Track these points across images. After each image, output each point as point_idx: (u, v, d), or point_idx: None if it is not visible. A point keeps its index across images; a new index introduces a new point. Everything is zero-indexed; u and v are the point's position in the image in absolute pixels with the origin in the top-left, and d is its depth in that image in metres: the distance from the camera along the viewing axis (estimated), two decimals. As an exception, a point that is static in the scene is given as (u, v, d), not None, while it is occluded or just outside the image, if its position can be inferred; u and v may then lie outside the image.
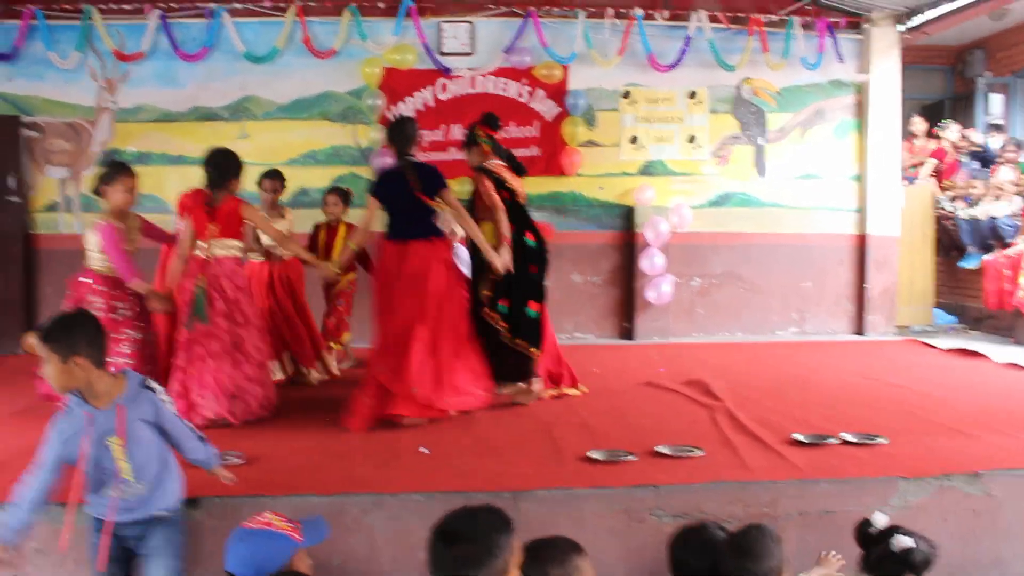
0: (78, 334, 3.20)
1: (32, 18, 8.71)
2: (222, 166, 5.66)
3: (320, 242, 7.20)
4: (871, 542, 3.41)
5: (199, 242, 5.52)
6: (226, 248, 5.55)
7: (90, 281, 5.46)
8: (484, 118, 6.30)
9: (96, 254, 5.50)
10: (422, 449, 4.70)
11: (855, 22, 9.42)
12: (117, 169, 5.57)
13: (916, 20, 9.23)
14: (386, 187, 5.77)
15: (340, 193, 7.32)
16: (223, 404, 5.26)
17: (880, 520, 3.45)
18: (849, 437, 4.78)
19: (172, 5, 8.84)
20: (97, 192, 5.56)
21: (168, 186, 8.73)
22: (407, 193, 5.61)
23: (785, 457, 4.47)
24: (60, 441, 3.23)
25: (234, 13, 8.86)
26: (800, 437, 4.80)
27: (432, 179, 5.68)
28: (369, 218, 5.86)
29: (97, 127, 9.01)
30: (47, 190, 9.03)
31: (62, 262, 8.90)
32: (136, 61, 8.90)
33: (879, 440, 4.74)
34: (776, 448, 4.64)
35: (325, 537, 3.27)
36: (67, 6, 8.76)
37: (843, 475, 4.18)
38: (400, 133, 5.85)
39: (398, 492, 3.97)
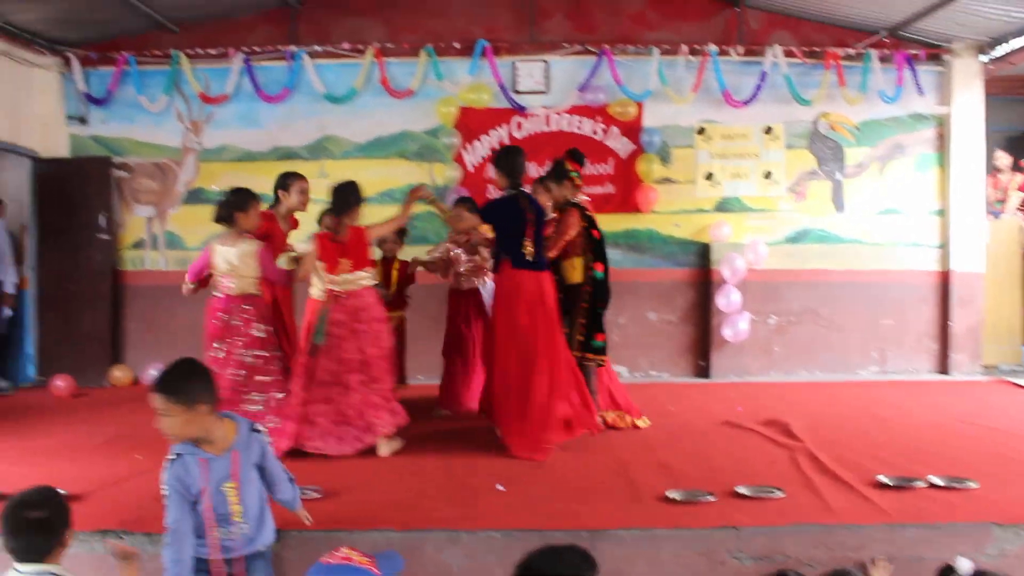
0: (196, 382, 3.21)
1: (125, 64, 9.08)
2: (349, 195, 5.81)
3: (379, 277, 7.15)
4: None
5: (331, 276, 5.64)
6: (359, 280, 5.68)
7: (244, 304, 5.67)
8: (570, 153, 6.35)
9: (248, 276, 5.69)
10: (499, 487, 4.70)
11: (935, 54, 9.26)
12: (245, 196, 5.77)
13: (1000, 50, 9.01)
14: (501, 215, 5.88)
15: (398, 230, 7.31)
16: (331, 435, 5.39)
17: (964, 566, 3.33)
18: (937, 480, 4.64)
19: (255, 49, 9.14)
20: (226, 220, 5.69)
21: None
22: (524, 222, 5.74)
23: (870, 500, 4.37)
24: (179, 496, 3.22)
25: (314, 56, 9.12)
26: (885, 479, 4.68)
27: (542, 212, 5.93)
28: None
29: (183, 167, 9.32)
30: (134, 228, 9.35)
31: (146, 298, 9.24)
32: (220, 103, 9.20)
33: (969, 484, 4.60)
34: (860, 490, 4.53)
35: (399, 571, 3.28)
36: (157, 52, 9.13)
37: (933, 520, 4.07)
38: (514, 163, 5.96)
39: (475, 530, 3.97)
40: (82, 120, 9.29)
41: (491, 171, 6.14)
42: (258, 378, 5.52)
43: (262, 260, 5.61)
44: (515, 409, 5.59)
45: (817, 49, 9.17)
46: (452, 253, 7.07)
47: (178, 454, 3.22)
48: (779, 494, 4.46)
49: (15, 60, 8.77)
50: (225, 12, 9.16)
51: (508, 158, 6.01)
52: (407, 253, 7.42)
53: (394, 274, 7.20)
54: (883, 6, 8.63)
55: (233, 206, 5.67)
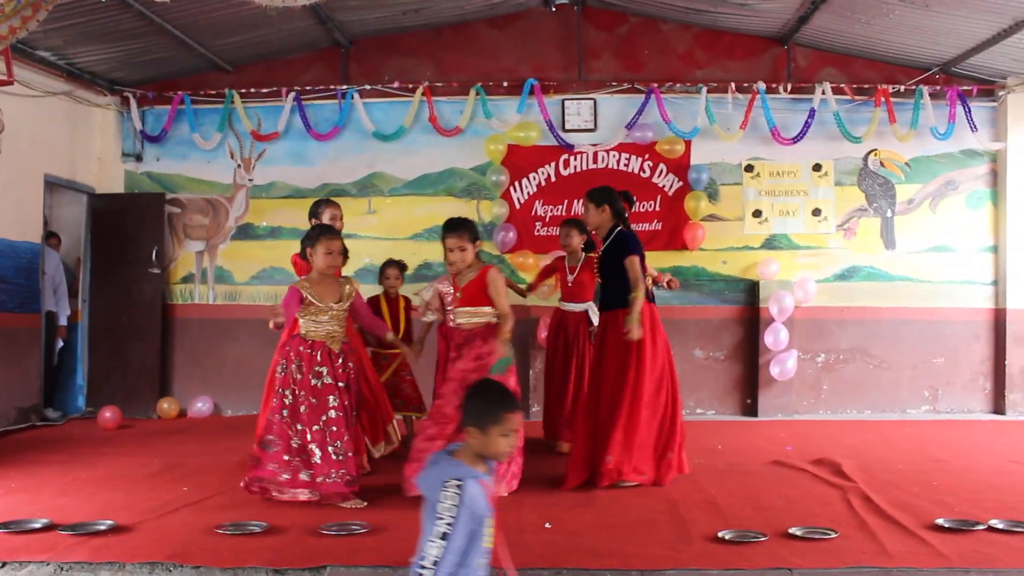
0: (490, 402, 3.00)
1: (180, 103, 9.30)
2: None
3: (384, 315, 7.04)
4: None
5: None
6: (472, 316, 5.52)
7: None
8: (621, 194, 6.31)
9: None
10: (547, 524, 4.66)
11: (988, 89, 9.18)
12: (319, 232, 5.47)
13: (1054, 86, 8.93)
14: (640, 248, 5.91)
15: (399, 266, 7.23)
16: None
17: None
18: (999, 524, 4.51)
19: (306, 88, 9.31)
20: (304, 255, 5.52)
21: (298, 259, 9.17)
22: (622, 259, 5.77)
23: (928, 543, 4.24)
24: (468, 525, 2.79)
25: (364, 94, 9.27)
26: (944, 522, 4.55)
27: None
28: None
29: (233, 203, 9.47)
30: (185, 262, 9.51)
31: (194, 331, 9.38)
32: (271, 141, 9.38)
33: (1032, 528, 4.47)
34: (918, 533, 4.41)
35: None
36: (211, 91, 9.35)
37: (996, 566, 3.93)
38: (618, 198, 6.00)
39: (525, 568, 3.92)
40: (137, 157, 9.52)
41: (590, 208, 6.03)
42: None
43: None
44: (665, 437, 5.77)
45: (867, 86, 9.13)
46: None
47: (468, 481, 2.81)
48: (832, 535, 4.36)
49: (76, 100, 9.05)
50: (278, 52, 9.36)
51: (613, 194, 6.00)
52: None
53: (401, 313, 7.15)
54: (935, 43, 8.59)
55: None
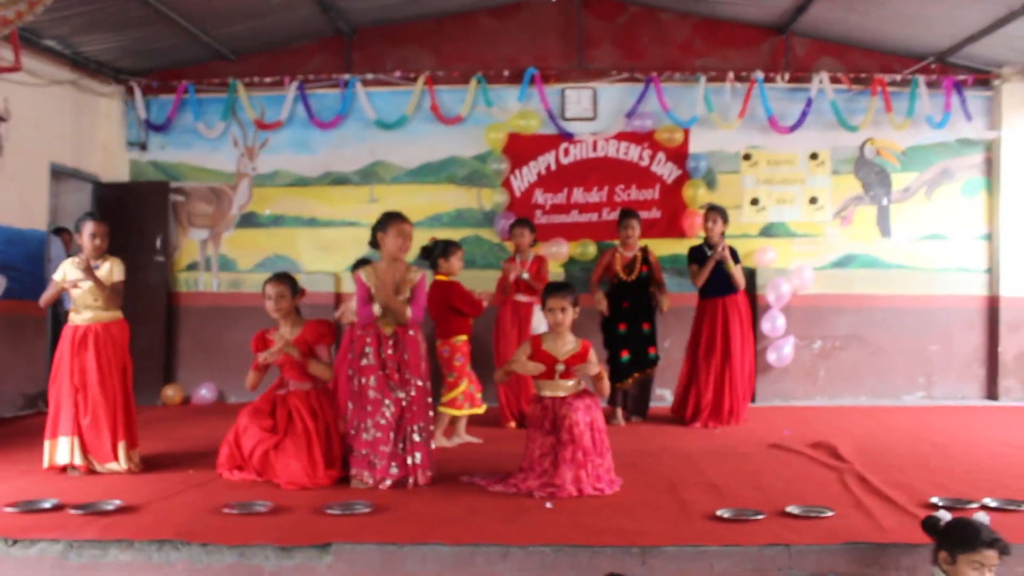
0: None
1: (184, 92, 9.38)
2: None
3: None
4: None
5: None
6: (572, 389, 5.33)
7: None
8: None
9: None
10: (547, 504, 4.75)
11: (984, 79, 9.24)
12: (390, 216, 5.46)
13: (1050, 75, 8.98)
14: None
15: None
16: None
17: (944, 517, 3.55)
18: (992, 503, 4.60)
19: (310, 77, 9.39)
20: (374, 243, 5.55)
21: (300, 246, 9.30)
22: None
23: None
24: None
25: (366, 83, 9.34)
26: (938, 501, 4.64)
27: None
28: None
29: (237, 191, 9.55)
30: (189, 250, 9.59)
31: (198, 318, 9.49)
32: (274, 130, 9.45)
33: (1025, 507, 4.57)
34: (912, 511, 4.49)
35: None
36: (215, 80, 9.42)
37: (988, 541, 4.03)
38: None
39: (526, 545, 4.01)
40: (142, 146, 9.60)
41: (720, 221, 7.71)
42: None
43: None
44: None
45: (864, 75, 9.20)
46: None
47: None
48: (829, 513, 4.46)
49: (82, 89, 9.12)
50: (281, 41, 9.44)
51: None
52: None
53: None
54: (931, 32, 8.65)
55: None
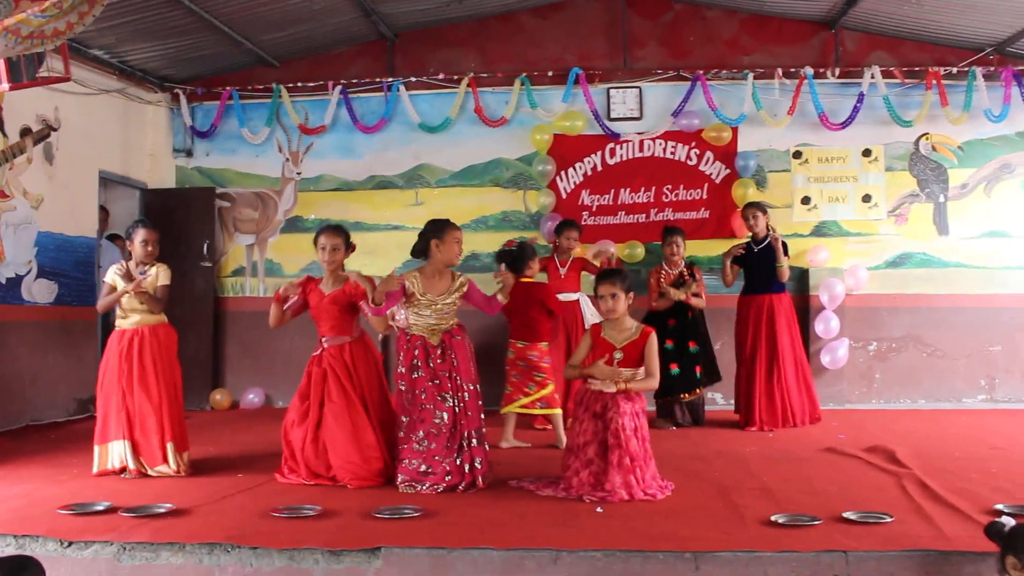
0: None
1: (229, 98, 9.44)
2: None
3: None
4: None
5: None
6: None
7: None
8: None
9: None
10: (598, 509, 4.66)
11: (1046, 69, 8.99)
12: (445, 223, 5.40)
13: (1114, 65, 8.70)
14: None
15: None
16: None
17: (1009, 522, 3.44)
18: (1060, 509, 4.43)
19: (353, 81, 9.40)
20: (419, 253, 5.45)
21: (346, 251, 9.25)
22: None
23: (988, 528, 4.18)
24: None
25: (410, 86, 9.33)
26: (1003, 507, 4.48)
27: None
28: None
29: (282, 196, 9.60)
30: (235, 256, 9.63)
31: (244, 323, 9.52)
32: (318, 134, 9.48)
33: (1095, 514, 4.37)
34: (976, 518, 4.33)
35: None
36: (259, 86, 9.47)
37: (1057, 549, 3.86)
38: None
39: (576, 549, 3.93)
40: (188, 153, 9.68)
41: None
42: None
43: None
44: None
45: (917, 68, 8.99)
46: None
47: None
48: (888, 519, 4.31)
49: (129, 98, 9.22)
50: (324, 46, 9.46)
51: None
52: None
53: None
54: (988, 22, 8.43)
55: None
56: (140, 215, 9.50)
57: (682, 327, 7.61)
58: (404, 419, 5.26)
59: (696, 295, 7.59)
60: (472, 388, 5.27)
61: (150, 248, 5.80)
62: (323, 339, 5.57)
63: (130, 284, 5.68)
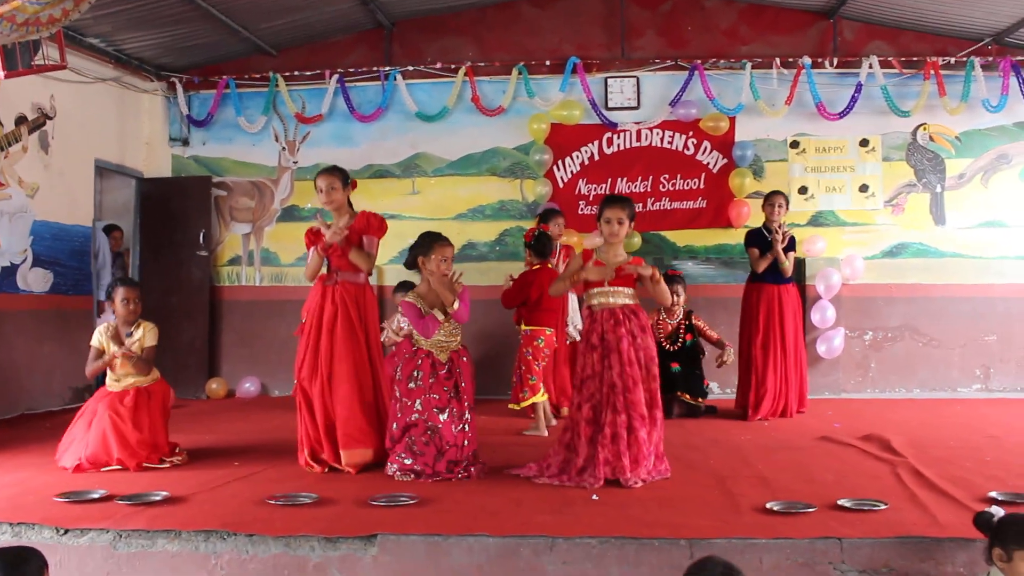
0: None
1: (225, 87, 9.41)
2: None
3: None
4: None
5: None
6: (626, 298, 5.19)
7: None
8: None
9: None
10: (594, 496, 4.67)
11: (1043, 60, 8.98)
12: (433, 238, 5.29)
13: (1113, 55, 8.69)
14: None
15: None
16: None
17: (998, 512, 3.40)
18: (1053, 498, 4.44)
19: (350, 70, 9.36)
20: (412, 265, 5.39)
21: (343, 240, 9.24)
22: None
23: (982, 515, 4.19)
24: None
25: (407, 75, 9.31)
26: (997, 495, 4.49)
27: None
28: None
29: (278, 185, 9.58)
30: (231, 245, 9.62)
31: (241, 312, 9.52)
32: (315, 123, 9.45)
33: (1089, 502, 4.38)
34: (970, 506, 4.34)
35: None
36: (256, 75, 9.44)
37: (1051, 536, 3.87)
38: None
39: (572, 536, 3.94)
40: (184, 141, 9.65)
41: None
42: None
43: None
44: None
45: (915, 58, 8.97)
46: None
47: None
48: (882, 507, 4.32)
49: (125, 86, 9.20)
50: (321, 35, 9.43)
51: None
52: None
53: None
54: (987, 13, 8.42)
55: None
56: (136, 204, 9.49)
57: (687, 375, 7.63)
58: (394, 426, 5.22)
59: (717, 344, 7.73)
60: (473, 412, 5.24)
61: (131, 306, 5.61)
62: (336, 272, 5.50)
63: (119, 350, 5.51)
